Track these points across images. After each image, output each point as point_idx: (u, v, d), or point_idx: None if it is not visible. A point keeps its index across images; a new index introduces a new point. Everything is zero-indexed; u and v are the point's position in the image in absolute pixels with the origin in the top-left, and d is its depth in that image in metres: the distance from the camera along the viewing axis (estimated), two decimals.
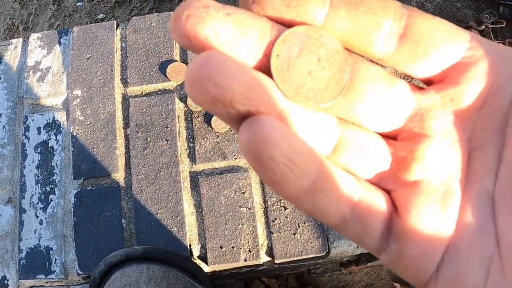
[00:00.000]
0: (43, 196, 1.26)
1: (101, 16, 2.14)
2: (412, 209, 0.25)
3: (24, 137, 1.31)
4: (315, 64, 0.25)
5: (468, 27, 1.29)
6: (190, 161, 1.24)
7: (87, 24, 2.11)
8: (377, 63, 0.27)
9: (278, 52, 0.24)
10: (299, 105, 0.25)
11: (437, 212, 0.25)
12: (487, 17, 1.28)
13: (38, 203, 1.25)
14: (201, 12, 0.23)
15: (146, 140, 1.26)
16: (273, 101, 0.24)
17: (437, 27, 0.25)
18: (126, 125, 1.29)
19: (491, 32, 1.26)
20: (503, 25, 1.26)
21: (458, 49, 0.26)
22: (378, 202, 0.26)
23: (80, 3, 2.20)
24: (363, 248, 1.16)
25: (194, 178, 1.23)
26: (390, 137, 0.27)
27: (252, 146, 0.22)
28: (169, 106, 1.29)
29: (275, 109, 0.24)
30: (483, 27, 1.26)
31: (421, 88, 0.27)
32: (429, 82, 0.28)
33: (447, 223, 0.25)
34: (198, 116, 1.26)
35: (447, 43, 0.25)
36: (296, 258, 1.14)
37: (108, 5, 2.16)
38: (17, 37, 2.18)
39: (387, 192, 0.27)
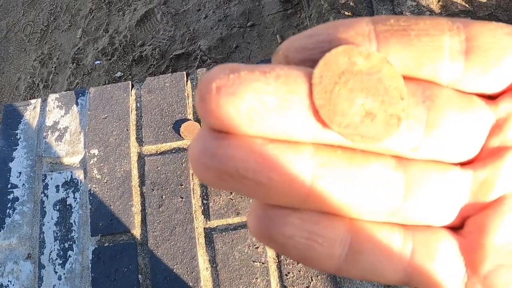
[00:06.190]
0: (61, 252, 1.28)
1: (119, 74, 2.20)
2: (492, 229, 0.22)
3: (43, 194, 1.35)
4: (364, 93, 0.20)
5: None
6: (204, 217, 1.27)
7: (105, 82, 2.17)
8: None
9: (318, 82, 0.19)
10: (355, 144, 0.21)
11: None
12: None
13: (56, 259, 1.28)
14: (233, 78, 0.18)
15: (161, 197, 1.29)
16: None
17: (498, 32, 0.21)
18: (142, 183, 1.33)
19: None
20: None
21: None
22: (437, 243, 0.22)
23: (98, 62, 2.26)
24: None
25: (209, 234, 1.25)
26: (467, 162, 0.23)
27: (263, 234, 0.20)
28: (183, 164, 1.32)
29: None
30: None
31: (492, 98, 0.23)
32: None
33: None
34: None
35: None
36: None
37: (126, 63, 2.22)
38: (37, 95, 2.25)
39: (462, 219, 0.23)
